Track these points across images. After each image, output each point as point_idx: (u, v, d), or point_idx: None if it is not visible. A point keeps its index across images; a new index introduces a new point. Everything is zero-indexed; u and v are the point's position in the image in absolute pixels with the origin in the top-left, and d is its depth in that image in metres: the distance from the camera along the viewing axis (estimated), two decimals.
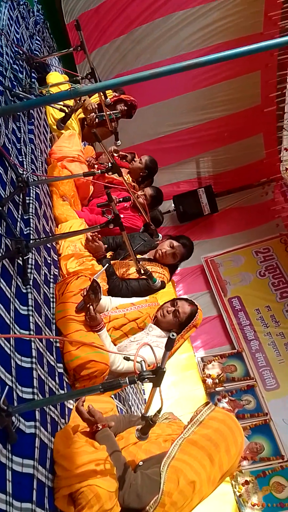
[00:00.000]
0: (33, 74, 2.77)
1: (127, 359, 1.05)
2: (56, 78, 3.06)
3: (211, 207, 5.78)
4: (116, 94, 3.55)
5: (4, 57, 2.27)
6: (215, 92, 4.98)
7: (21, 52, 2.66)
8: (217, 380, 4.18)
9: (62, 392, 1.61)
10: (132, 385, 1.91)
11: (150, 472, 1.25)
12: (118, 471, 1.28)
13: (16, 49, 2.63)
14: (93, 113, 2.92)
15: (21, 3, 3.39)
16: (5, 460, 1.10)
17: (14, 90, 2.10)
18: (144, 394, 3.54)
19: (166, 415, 1.60)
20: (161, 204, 2.97)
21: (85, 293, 1.82)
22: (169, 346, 0.91)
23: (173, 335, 0.89)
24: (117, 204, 2.45)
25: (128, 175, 3.18)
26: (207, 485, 1.18)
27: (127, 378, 1.02)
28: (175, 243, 2.40)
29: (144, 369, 1.01)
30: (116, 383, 1.02)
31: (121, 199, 2.27)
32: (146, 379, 1.00)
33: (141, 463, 1.31)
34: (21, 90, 2.22)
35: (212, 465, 1.19)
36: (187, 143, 5.46)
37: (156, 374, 0.98)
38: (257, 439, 3.83)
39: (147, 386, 3.56)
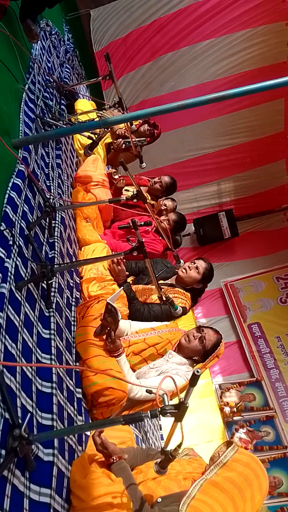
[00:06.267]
0: (62, 101, 2.88)
1: (149, 392, 1.04)
2: (84, 105, 3.15)
3: (231, 231, 5.75)
4: (141, 121, 3.63)
5: (36, 86, 2.36)
6: (238, 118, 5.03)
7: (52, 80, 2.76)
8: (235, 409, 4.07)
9: (80, 418, 1.61)
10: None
11: (168, 509, 1.21)
12: (135, 505, 1.26)
13: (47, 77, 2.74)
14: (120, 139, 3.00)
15: (53, 32, 3.55)
16: (23, 488, 1.09)
17: (44, 118, 2.17)
18: (159, 420, 3.47)
19: (186, 451, 1.56)
20: (184, 229, 3.00)
21: (102, 317, 1.82)
22: (194, 382, 0.90)
23: (198, 371, 0.88)
24: (138, 228, 2.48)
25: (147, 193, 3.22)
26: None
27: (149, 412, 1.01)
28: (196, 260, 2.48)
29: (167, 403, 1.00)
30: (137, 416, 1.01)
31: (142, 223, 2.30)
32: (168, 414, 0.98)
33: (159, 499, 1.27)
34: (50, 117, 2.30)
35: (234, 510, 1.15)
36: (209, 168, 5.50)
37: (179, 409, 0.97)
38: (276, 473, 3.68)
39: None
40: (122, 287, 2.13)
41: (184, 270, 2.42)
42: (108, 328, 1.79)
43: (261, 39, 4.46)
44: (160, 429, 3.43)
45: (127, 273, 2.32)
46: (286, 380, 4.28)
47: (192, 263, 2.44)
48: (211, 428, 3.94)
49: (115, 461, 1.36)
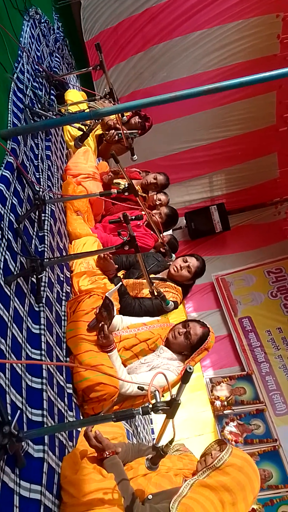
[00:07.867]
0: (52, 91, 2.82)
1: (141, 389, 1.03)
2: (74, 95, 3.10)
3: (223, 224, 5.76)
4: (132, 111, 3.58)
5: (25, 75, 2.31)
6: (230, 111, 5.01)
7: (41, 69, 2.70)
8: (225, 403, 4.09)
9: (70, 413, 1.59)
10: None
11: (159, 506, 1.21)
12: (126, 501, 1.25)
13: (36, 66, 2.68)
14: (113, 130, 2.95)
15: (43, 21, 3.47)
16: (13, 485, 1.08)
17: (33, 108, 2.12)
18: (150, 414, 3.48)
19: (177, 446, 1.56)
20: (176, 224, 2.97)
21: (97, 311, 1.80)
22: (186, 379, 0.89)
23: (190, 368, 0.86)
24: (130, 222, 2.45)
25: (139, 186, 3.19)
26: None
27: (140, 408, 0.99)
28: (188, 258, 2.44)
29: (159, 400, 0.99)
30: (129, 413, 1.00)
31: (133, 217, 2.27)
32: (160, 411, 0.97)
33: (150, 496, 1.27)
34: (40, 108, 2.25)
35: (223, 510, 1.15)
36: (201, 160, 5.48)
37: (171, 406, 0.96)
38: (265, 466, 3.72)
39: None
40: (120, 284, 2.11)
41: (175, 269, 2.39)
42: (102, 323, 1.77)
43: (253, 31, 4.44)
44: (151, 423, 3.44)
45: (116, 266, 2.29)
46: (276, 374, 4.32)
47: (184, 262, 2.40)
48: (201, 422, 3.96)
49: (108, 456, 1.35)
